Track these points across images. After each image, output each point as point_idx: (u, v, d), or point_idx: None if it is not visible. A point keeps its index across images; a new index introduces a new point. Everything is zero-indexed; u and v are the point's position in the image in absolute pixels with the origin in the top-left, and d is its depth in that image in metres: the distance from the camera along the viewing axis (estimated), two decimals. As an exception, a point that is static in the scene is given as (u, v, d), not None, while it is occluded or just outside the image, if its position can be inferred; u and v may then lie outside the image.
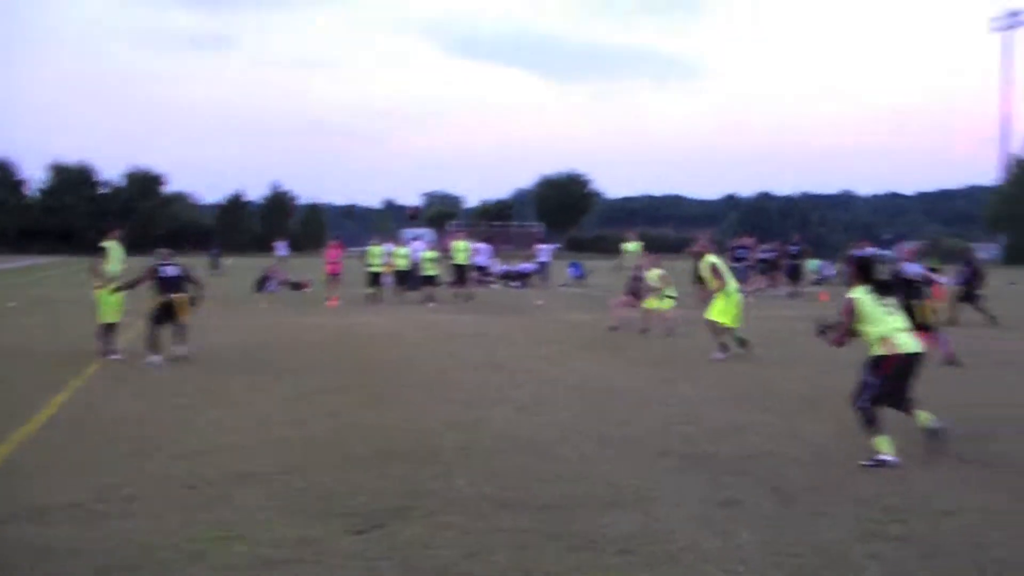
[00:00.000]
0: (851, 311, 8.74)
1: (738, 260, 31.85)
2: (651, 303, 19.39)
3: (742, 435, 9.26)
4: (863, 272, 9.11)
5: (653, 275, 19.45)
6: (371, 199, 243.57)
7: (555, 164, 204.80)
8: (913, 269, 14.72)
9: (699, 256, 16.57)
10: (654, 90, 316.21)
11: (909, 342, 8.54)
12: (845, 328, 8.85)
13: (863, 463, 8.08)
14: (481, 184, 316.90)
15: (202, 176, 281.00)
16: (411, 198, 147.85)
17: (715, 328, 15.64)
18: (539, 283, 38.63)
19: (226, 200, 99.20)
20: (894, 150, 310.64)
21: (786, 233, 42.91)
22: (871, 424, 8.42)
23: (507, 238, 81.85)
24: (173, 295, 14.65)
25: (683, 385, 12.47)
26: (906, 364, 8.49)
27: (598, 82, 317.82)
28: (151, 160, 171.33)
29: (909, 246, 17.39)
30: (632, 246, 28.62)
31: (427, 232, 77.24)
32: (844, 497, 7.02)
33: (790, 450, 8.62)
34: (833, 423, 9.89)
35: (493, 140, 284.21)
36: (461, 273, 30.69)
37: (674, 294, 19.63)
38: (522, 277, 38.88)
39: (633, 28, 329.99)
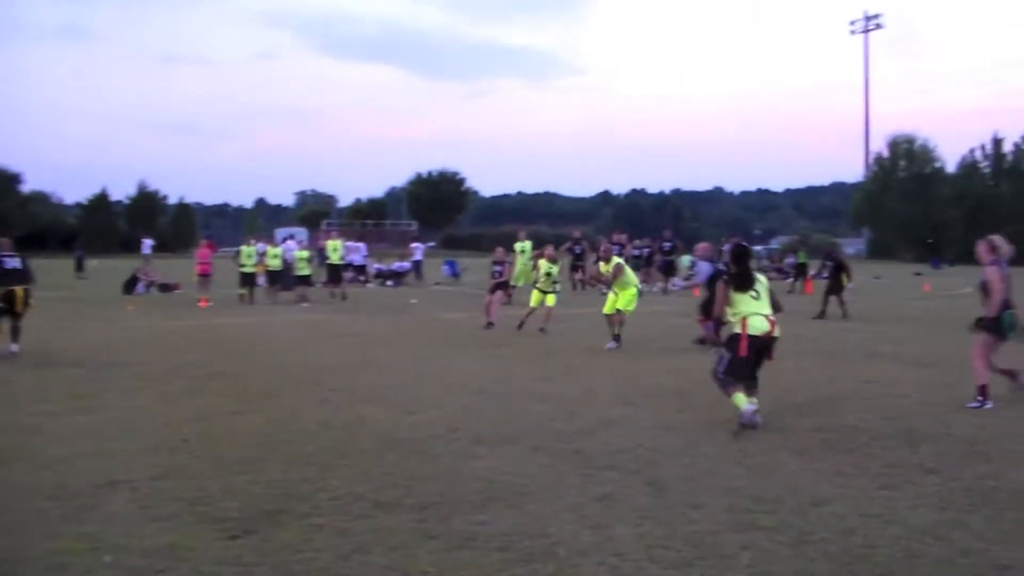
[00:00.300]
0: (722, 298, 9.92)
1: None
2: (549, 299, 19.31)
3: (615, 429, 9.36)
4: (736, 260, 10.26)
5: (545, 268, 19.54)
6: (243, 198, 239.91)
7: (429, 162, 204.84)
8: (705, 268, 16.26)
9: (606, 258, 17.66)
10: (528, 88, 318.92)
11: (761, 324, 9.61)
12: (719, 311, 10.05)
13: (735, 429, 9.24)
14: (355, 182, 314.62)
15: (64, 175, 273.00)
16: (284, 197, 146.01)
17: (615, 320, 16.76)
18: (414, 281, 38.59)
19: (90, 200, 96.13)
20: (764, 148, 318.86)
21: (659, 229, 43.54)
22: (726, 388, 9.59)
23: (381, 237, 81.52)
24: (14, 286, 14.31)
25: (558, 381, 12.56)
26: (757, 344, 9.58)
27: (473, 80, 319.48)
28: (6, 158, 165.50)
29: (702, 244, 18.02)
30: (523, 245, 28.67)
31: (300, 231, 76.48)
32: (716, 488, 7.15)
33: (663, 443, 8.75)
34: (705, 415, 10.08)
35: (367, 138, 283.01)
36: (335, 272, 30.46)
37: (558, 290, 19.78)
38: (397, 276, 38.77)
39: (508, 27, 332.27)
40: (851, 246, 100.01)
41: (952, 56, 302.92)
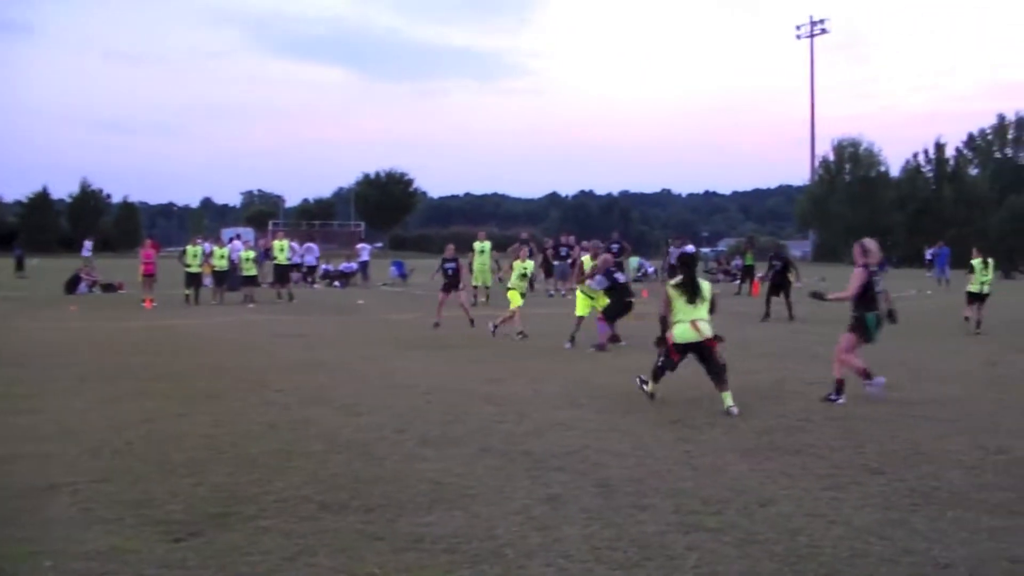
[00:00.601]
0: (667, 300, 10.96)
1: (561, 258, 32.31)
2: (516, 299, 19.14)
3: (563, 431, 9.37)
4: (682, 267, 11.37)
5: (519, 267, 19.86)
6: (189, 198, 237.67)
7: (377, 163, 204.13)
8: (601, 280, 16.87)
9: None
10: (477, 90, 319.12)
11: (685, 333, 10.71)
12: (664, 315, 11.03)
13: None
14: (303, 183, 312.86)
15: (4, 173, 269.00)
16: (230, 197, 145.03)
17: (582, 322, 17.29)
18: (361, 282, 38.45)
19: (30, 198, 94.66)
20: (711, 150, 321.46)
21: (607, 231, 43.71)
22: (656, 378, 11.02)
23: (329, 237, 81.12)
24: None
25: (506, 383, 12.55)
26: (682, 349, 10.78)
27: (421, 81, 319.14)
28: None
29: (588, 244, 18.57)
30: (483, 245, 28.67)
31: (247, 231, 75.92)
32: (664, 490, 7.17)
33: (611, 444, 8.77)
34: (653, 417, 10.14)
35: (315, 138, 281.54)
36: (283, 273, 30.29)
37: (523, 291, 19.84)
38: (344, 277, 38.62)
39: (457, 28, 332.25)
40: (797, 248, 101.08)
41: (896, 62, 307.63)
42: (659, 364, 10.98)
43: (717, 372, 10.69)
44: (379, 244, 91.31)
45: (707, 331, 10.70)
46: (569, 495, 7.01)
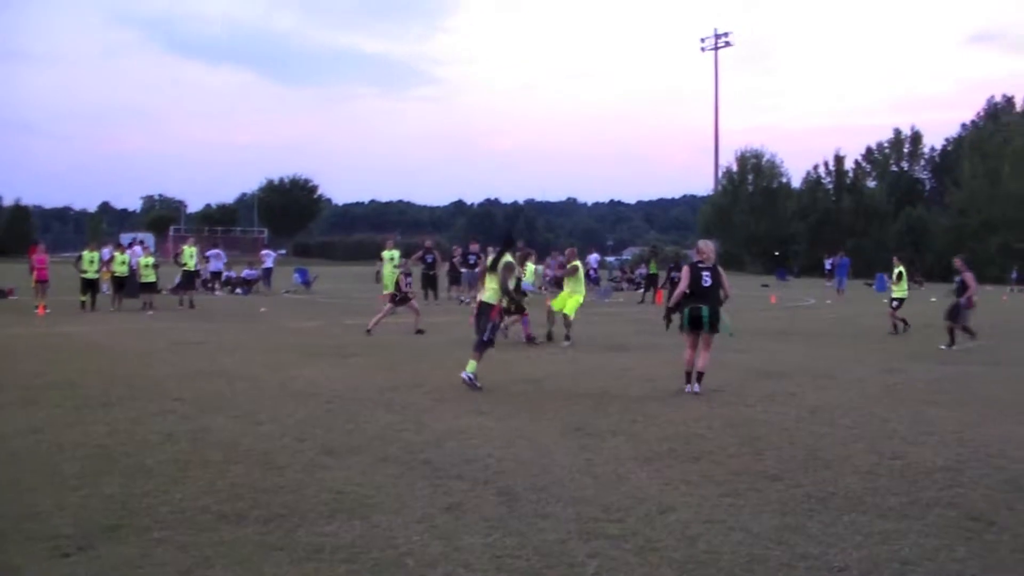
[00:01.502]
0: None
1: (469, 266, 32.27)
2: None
3: (465, 439, 9.33)
4: (503, 247, 13.50)
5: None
6: (87, 201, 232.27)
7: (282, 169, 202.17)
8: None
9: (524, 260, 20.25)
10: (384, 96, 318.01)
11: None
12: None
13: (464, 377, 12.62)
14: (205, 188, 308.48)
15: None
16: (130, 201, 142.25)
17: (555, 318, 19.59)
18: (263, 289, 38.00)
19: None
20: (617, 160, 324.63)
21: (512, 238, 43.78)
22: (482, 350, 12.86)
23: (232, 243, 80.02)
24: None
25: (408, 391, 12.47)
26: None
27: (328, 86, 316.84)
28: None
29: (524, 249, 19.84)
30: (392, 253, 28.45)
31: (146, 236, 74.58)
32: (565, 497, 7.17)
33: (513, 452, 8.75)
34: (555, 424, 10.15)
35: (218, 142, 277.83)
36: (190, 279, 29.87)
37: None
38: (246, 283, 38.11)
39: (365, 34, 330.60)
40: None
41: (798, 76, 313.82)
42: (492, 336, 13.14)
43: (479, 338, 13.02)
44: (282, 251, 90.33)
45: (483, 296, 13.20)
46: (470, 504, 6.98)
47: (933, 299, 31.64)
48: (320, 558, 5.75)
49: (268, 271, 39.59)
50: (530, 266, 20.94)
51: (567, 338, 18.97)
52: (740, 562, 5.77)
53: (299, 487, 7.41)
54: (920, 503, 7.17)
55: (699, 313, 12.56)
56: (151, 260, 28.68)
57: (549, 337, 19.40)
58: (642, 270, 41.88)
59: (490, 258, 13.96)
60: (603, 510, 6.82)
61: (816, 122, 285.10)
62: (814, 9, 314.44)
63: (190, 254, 30.39)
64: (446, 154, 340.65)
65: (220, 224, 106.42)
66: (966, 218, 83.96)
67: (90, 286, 27.28)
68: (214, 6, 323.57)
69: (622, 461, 8.44)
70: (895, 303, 23.37)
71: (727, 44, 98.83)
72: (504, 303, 13.68)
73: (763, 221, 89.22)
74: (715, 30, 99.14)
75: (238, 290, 37.18)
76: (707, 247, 13.13)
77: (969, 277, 20.35)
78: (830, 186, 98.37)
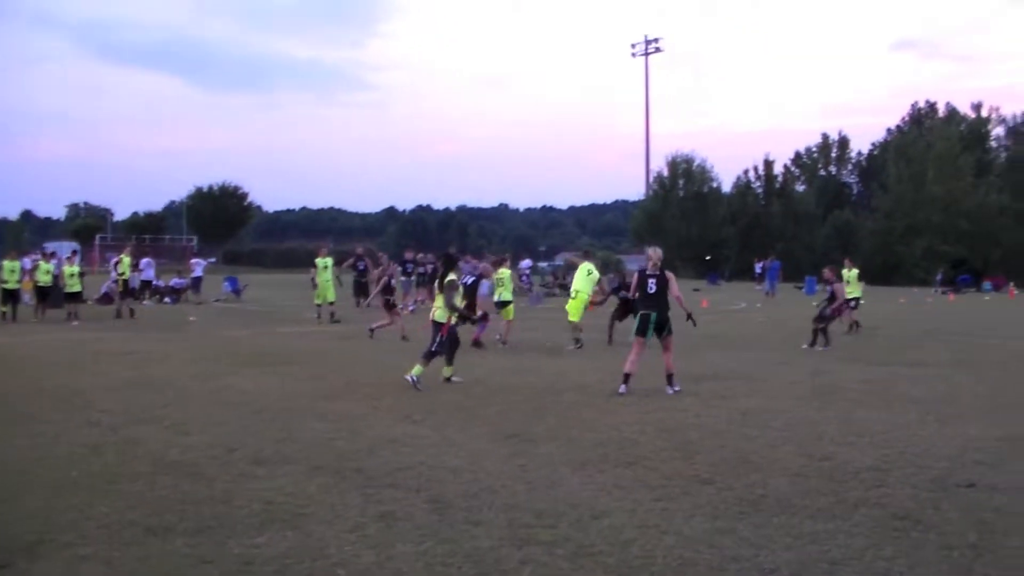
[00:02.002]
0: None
1: (407, 274, 32.14)
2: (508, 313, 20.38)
3: (398, 447, 9.29)
4: (444, 266, 14.23)
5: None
6: (8, 209, 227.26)
7: (211, 176, 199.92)
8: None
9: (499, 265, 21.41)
10: (316, 103, 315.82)
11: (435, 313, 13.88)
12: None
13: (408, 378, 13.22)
14: (132, 195, 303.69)
15: None
16: (54, 209, 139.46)
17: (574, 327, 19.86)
18: (193, 298, 37.53)
19: None
20: (548, 166, 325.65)
21: (444, 245, 43.75)
22: (430, 359, 13.56)
23: (160, 252, 78.87)
24: None
25: (340, 399, 12.39)
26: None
27: (259, 93, 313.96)
28: None
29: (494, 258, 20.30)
30: (325, 261, 28.05)
31: (71, 245, 73.27)
32: (498, 504, 7.16)
33: (445, 460, 8.73)
34: (487, 431, 10.14)
35: (146, 149, 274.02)
36: (126, 288, 29.43)
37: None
38: (175, 292, 37.61)
39: (297, 40, 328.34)
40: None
41: (728, 82, 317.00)
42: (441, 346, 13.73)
43: (432, 349, 13.68)
44: (212, 259, 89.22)
45: (435, 315, 13.87)
46: (403, 512, 6.94)
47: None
48: (250, 570, 5.69)
49: (198, 280, 39.08)
50: (505, 271, 20.80)
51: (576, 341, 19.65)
52: (672, 566, 5.80)
53: (229, 498, 7.32)
54: (848, 503, 7.26)
55: (647, 318, 13.17)
56: (76, 269, 28.18)
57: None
58: (572, 277, 41.96)
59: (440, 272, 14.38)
60: (536, 516, 6.82)
61: (745, 127, 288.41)
62: (743, 16, 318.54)
63: (127, 264, 29.94)
64: (378, 161, 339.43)
65: (148, 232, 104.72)
66: (892, 221, 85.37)
67: (10, 296, 26.70)
68: (143, 11, 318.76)
69: (555, 467, 8.45)
70: (853, 303, 24.06)
71: (657, 50, 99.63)
72: (454, 319, 13.91)
73: (694, 226, 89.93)
74: (646, 36, 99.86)
75: (166, 299, 36.68)
76: (654, 253, 13.54)
77: (839, 288, 21.17)
78: (760, 191, 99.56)
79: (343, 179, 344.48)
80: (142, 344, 19.79)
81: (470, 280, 18.95)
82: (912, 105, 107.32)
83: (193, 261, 41.46)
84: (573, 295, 20.52)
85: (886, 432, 10.24)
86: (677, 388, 13.13)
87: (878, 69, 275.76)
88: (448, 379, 13.83)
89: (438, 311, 13.84)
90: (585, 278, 20.51)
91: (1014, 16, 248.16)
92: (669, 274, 13.41)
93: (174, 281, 38.93)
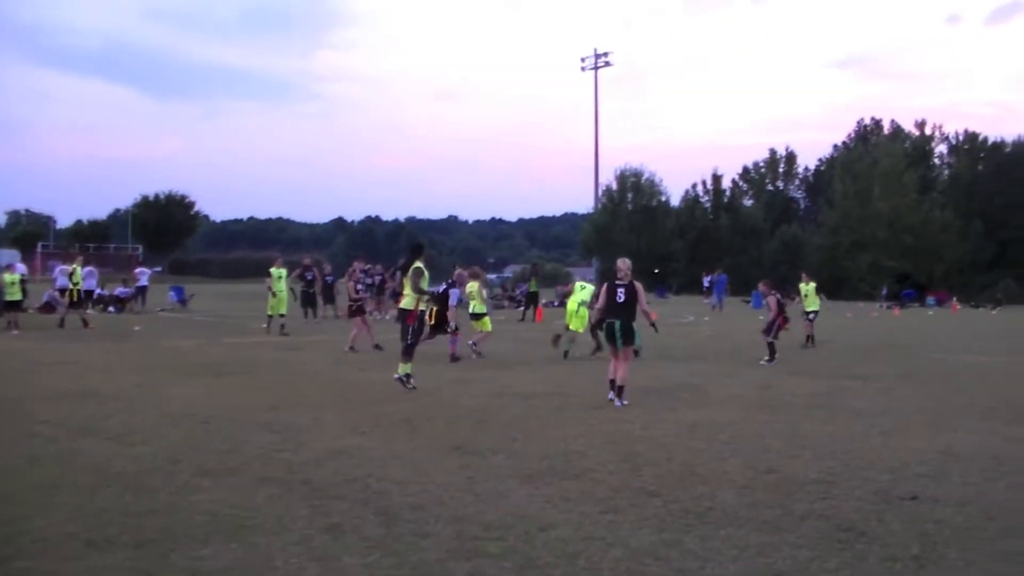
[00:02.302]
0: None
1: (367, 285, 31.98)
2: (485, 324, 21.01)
3: (345, 459, 9.22)
4: (411, 255, 14.93)
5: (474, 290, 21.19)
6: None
7: (157, 184, 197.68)
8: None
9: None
10: (264, 112, 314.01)
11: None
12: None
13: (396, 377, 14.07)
14: (76, 203, 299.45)
15: None
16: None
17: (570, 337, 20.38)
18: (138, 308, 37.12)
19: None
20: (498, 178, 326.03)
21: (393, 256, 43.62)
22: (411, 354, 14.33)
23: (105, 260, 77.96)
24: None
25: (287, 410, 12.28)
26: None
27: (206, 101, 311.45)
28: None
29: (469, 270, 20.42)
30: (280, 271, 27.69)
31: (12, 253, 72.26)
32: (445, 516, 7.13)
33: (392, 472, 8.67)
34: (435, 443, 10.10)
35: (90, 157, 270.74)
36: (78, 297, 29.01)
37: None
38: (119, 302, 37.15)
39: (247, 50, 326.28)
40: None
41: (677, 96, 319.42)
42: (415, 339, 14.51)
43: (404, 343, 14.39)
44: (158, 268, 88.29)
45: (402, 303, 14.66)
46: (350, 524, 6.88)
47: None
48: (193, 583, 5.61)
49: (143, 289, 38.62)
50: (473, 285, 20.86)
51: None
52: (619, 578, 5.80)
53: (173, 510, 7.22)
54: (794, 515, 7.31)
55: (612, 326, 13.43)
56: (17, 277, 27.71)
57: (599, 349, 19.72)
58: (523, 288, 42.01)
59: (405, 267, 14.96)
60: (483, 528, 6.80)
61: (694, 141, 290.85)
62: (692, 32, 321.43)
63: (80, 273, 29.50)
64: (327, 171, 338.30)
65: (92, 240, 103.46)
66: (838, 236, 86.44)
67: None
68: (85, 18, 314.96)
69: (502, 479, 8.43)
70: (811, 315, 24.50)
71: (607, 64, 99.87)
72: (423, 305, 14.79)
73: (642, 239, 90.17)
74: (595, 50, 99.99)
75: (110, 308, 36.24)
76: (624, 264, 13.78)
77: (772, 301, 21.47)
78: (708, 204, 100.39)
79: (291, 189, 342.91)
80: (85, 354, 19.53)
81: (442, 288, 19.19)
82: (858, 122, 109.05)
83: (138, 270, 40.91)
84: (576, 310, 20.65)
85: (831, 445, 10.33)
86: (625, 403, 13.12)
87: (824, 86, 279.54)
88: (401, 379, 14.27)
89: (405, 299, 14.47)
90: (580, 292, 21.00)
91: (955, 36, 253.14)
92: (638, 284, 13.63)
93: (118, 290, 38.45)
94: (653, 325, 14.28)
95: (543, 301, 33.48)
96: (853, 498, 7.91)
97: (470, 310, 21.23)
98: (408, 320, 14.35)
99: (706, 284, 54.62)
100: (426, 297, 14.86)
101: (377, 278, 33.80)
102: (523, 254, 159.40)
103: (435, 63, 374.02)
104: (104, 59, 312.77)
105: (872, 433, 11.19)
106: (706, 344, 25.01)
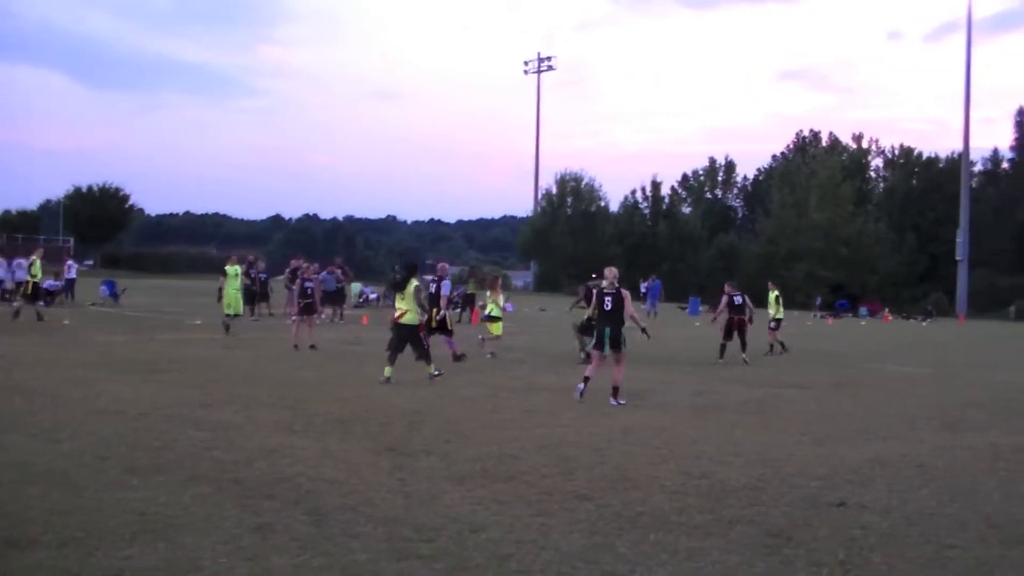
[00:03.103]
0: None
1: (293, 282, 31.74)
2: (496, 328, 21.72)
3: (276, 458, 9.14)
4: (406, 272, 15.98)
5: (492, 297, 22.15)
6: None
7: (91, 176, 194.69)
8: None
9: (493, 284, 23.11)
10: (203, 106, 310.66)
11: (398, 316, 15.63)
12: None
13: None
14: (3, 192, 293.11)
15: None
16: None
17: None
18: (67, 301, 36.52)
19: None
20: (437, 179, 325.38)
21: (331, 255, 43.37)
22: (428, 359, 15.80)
23: (33, 252, 76.63)
24: None
25: (219, 408, 12.15)
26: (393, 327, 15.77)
27: (143, 93, 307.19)
28: None
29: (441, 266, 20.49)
30: (235, 268, 27.15)
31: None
32: (376, 517, 7.09)
33: (324, 472, 8.62)
34: (367, 444, 10.06)
35: (19, 145, 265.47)
36: (36, 290, 28.37)
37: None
38: (49, 295, 36.49)
39: (186, 42, 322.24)
40: (519, 279, 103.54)
41: (618, 102, 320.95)
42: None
43: (419, 352, 15.71)
44: (89, 262, 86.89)
45: (405, 319, 15.50)
46: (280, 524, 6.82)
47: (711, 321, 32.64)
48: (118, 583, 5.53)
49: (71, 282, 38.00)
50: (494, 292, 22.40)
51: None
52: (550, 581, 5.80)
53: (99, 508, 7.11)
54: (724, 521, 7.37)
55: (603, 333, 14.14)
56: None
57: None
58: (460, 290, 41.92)
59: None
60: (415, 530, 6.77)
61: (635, 148, 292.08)
62: (634, 39, 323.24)
63: (39, 266, 28.80)
64: (265, 168, 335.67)
65: (21, 231, 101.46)
66: (775, 246, 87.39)
67: None
68: (19, 2, 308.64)
69: (435, 481, 8.41)
70: (773, 324, 25.06)
71: (550, 68, 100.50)
72: (424, 317, 16.26)
73: (581, 243, 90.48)
74: (538, 54, 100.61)
75: (40, 302, 35.59)
76: (611, 273, 14.48)
77: (724, 300, 22.76)
78: (647, 211, 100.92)
79: (229, 185, 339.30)
80: (11, 348, 19.15)
81: (433, 287, 19.81)
82: (797, 133, 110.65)
83: (68, 263, 40.21)
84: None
85: (763, 452, 10.43)
86: (622, 402, 13.81)
87: (766, 97, 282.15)
88: (432, 375, 15.72)
89: (408, 314, 15.51)
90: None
91: (896, 53, 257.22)
92: (625, 292, 14.29)
93: (47, 283, 37.69)
94: (644, 331, 15.11)
95: (479, 303, 33.37)
96: (782, 504, 8.00)
97: (487, 312, 22.26)
98: (419, 331, 15.85)
99: (643, 290, 54.88)
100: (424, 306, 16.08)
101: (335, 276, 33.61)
102: (461, 256, 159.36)
103: (378, 62, 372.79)
104: (36, 45, 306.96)
105: (803, 441, 11.32)
106: (641, 350, 25.10)
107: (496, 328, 21.74)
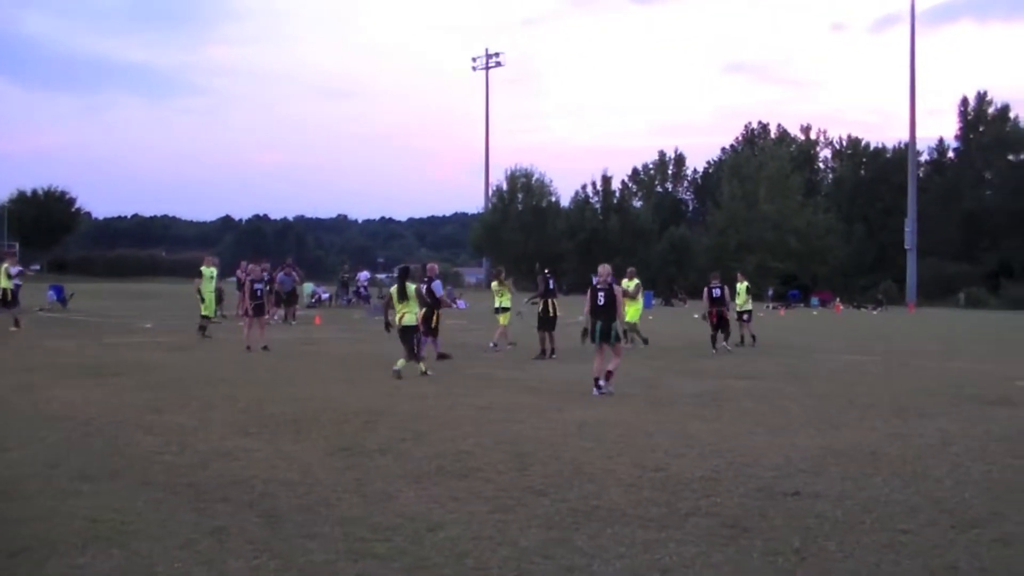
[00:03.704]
0: (388, 299, 16.88)
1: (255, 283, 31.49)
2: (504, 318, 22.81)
3: (229, 460, 9.08)
4: (401, 277, 16.61)
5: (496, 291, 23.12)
6: None
7: (35, 179, 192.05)
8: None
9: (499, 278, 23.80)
10: (149, 107, 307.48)
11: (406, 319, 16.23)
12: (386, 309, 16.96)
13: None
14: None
15: None
16: None
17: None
18: (11, 307, 35.98)
19: None
20: (388, 177, 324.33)
21: (282, 255, 43.12)
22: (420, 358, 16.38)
23: (-22, 258, 75.54)
24: None
25: (171, 412, 12.04)
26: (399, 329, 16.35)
27: (86, 94, 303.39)
28: None
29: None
30: (211, 271, 26.76)
31: None
32: (333, 518, 7.06)
33: (279, 473, 8.56)
34: (322, 444, 10.00)
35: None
36: (6, 297, 27.80)
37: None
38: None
39: (129, 41, 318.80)
40: (472, 275, 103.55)
41: (566, 98, 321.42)
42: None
43: (414, 351, 16.20)
44: (35, 266, 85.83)
45: (405, 320, 16.17)
46: (235, 527, 6.77)
47: (696, 316, 32.93)
48: (70, 591, 5.46)
49: (16, 287, 37.35)
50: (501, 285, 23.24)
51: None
52: (508, 577, 5.80)
53: (50, 516, 7.02)
54: (680, 513, 7.40)
55: (594, 327, 14.75)
56: None
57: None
58: (450, 290, 41.93)
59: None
60: (371, 529, 6.74)
61: (584, 143, 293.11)
62: (581, 35, 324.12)
63: (8, 273, 28.20)
64: (213, 168, 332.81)
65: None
66: (725, 238, 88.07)
67: None
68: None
69: (390, 480, 8.38)
70: (745, 316, 25.77)
71: (498, 64, 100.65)
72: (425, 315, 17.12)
73: (532, 239, 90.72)
74: (487, 50, 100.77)
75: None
76: (604, 270, 15.24)
77: (705, 292, 23.78)
78: (598, 206, 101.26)
79: (177, 186, 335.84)
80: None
81: (425, 287, 19.32)
82: (745, 126, 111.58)
83: (12, 268, 39.43)
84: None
85: (717, 443, 10.47)
86: (611, 389, 14.43)
87: (712, 90, 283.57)
88: (425, 372, 16.29)
89: (407, 315, 16.22)
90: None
91: (840, 45, 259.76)
92: (617, 288, 14.95)
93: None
94: (625, 334, 15.68)
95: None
96: (737, 495, 8.04)
97: (496, 304, 23.00)
98: (417, 330, 16.44)
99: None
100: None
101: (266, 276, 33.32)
102: (413, 254, 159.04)
103: (326, 60, 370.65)
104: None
105: (757, 431, 11.39)
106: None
107: (504, 319, 22.89)
